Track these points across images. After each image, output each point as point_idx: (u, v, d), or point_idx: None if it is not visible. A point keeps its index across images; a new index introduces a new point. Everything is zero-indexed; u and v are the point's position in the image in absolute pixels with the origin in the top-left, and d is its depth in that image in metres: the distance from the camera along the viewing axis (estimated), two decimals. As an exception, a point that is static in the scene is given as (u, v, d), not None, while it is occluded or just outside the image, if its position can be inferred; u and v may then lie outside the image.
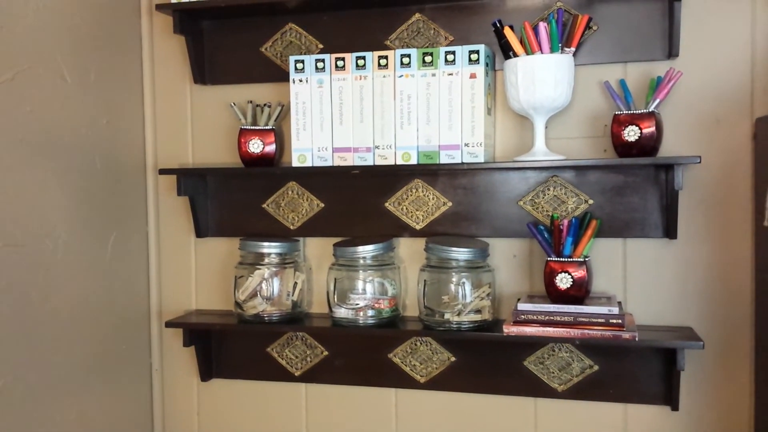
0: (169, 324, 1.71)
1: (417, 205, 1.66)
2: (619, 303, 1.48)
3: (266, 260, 1.65)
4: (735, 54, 1.47)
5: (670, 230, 1.49)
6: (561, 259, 1.45)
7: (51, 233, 1.51)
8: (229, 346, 1.80)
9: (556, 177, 1.57)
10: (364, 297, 1.58)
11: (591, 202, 1.55)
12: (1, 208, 1.38)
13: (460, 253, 1.50)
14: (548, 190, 1.58)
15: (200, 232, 1.77)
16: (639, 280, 1.55)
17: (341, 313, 1.58)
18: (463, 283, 1.51)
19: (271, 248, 1.64)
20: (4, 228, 1.39)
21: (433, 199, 1.65)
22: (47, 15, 1.49)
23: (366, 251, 1.57)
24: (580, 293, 1.45)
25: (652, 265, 1.54)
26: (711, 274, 1.51)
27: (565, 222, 1.47)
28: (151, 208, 1.84)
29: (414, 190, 1.66)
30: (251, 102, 1.70)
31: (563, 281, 1.45)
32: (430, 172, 1.63)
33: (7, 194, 1.40)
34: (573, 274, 1.44)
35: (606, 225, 1.53)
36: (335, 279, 1.59)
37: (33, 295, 1.46)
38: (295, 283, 1.66)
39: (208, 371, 1.80)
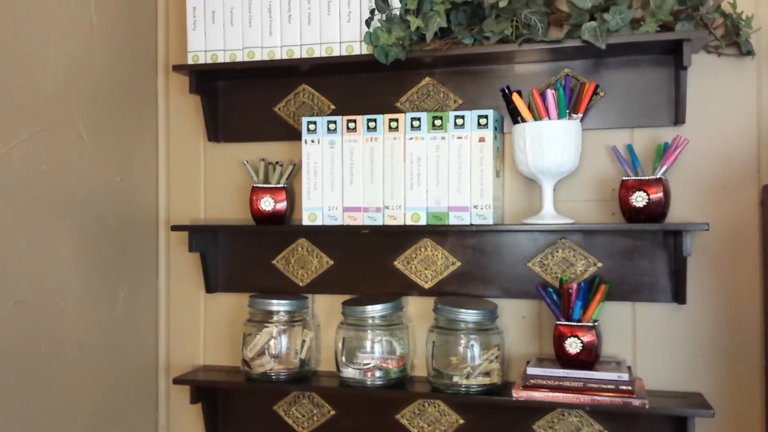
0: (177, 381, 1.70)
1: (426, 264, 1.67)
2: (629, 368, 1.47)
3: (275, 318, 1.65)
4: (741, 121, 1.49)
5: (679, 295, 1.49)
6: (570, 323, 1.45)
7: (62, 290, 1.52)
8: (236, 404, 1.79)
9: (564, 239, 1.58)
10: (372, 356, 1.58)
11: (599, 265, 1.56)
12: (13, 266, 1.40)
13: (469, 315, 1.51)
14: (557, 252, 1.59)
15: (210, 288, 1.78)
16: (648, 345, 1.54)
17: (349, 373, 1.58)
18: (472, 345, 1.51)
19: (280, 306, 1.65)
20: (15, 286, 1.40)
21: (441, 258, 1.66)
22: (67, 75, 1.53)
23: (375, 311, 1.58)
24: (589, 358, 1.44)
25: (662, 330, 1.53)
26: (720, 340, 1.50)
27: (574, 286, 1.47)
28: (162, 263, 1.86)
29: (423, 249, 1.67)
30: (263, 160, 1.73)
31: (573, 346, 1.45)
32: (439, 231, 1.64)
33: (20, 252, 1.41)
34: (582, 338, 1.44)
35: (615, 288, 1.53)
36: (344, 338, 1.60)
37: (41, 353, 1.46)
38: (303, 340, 1.66)
39: (214, 428, 1.78)
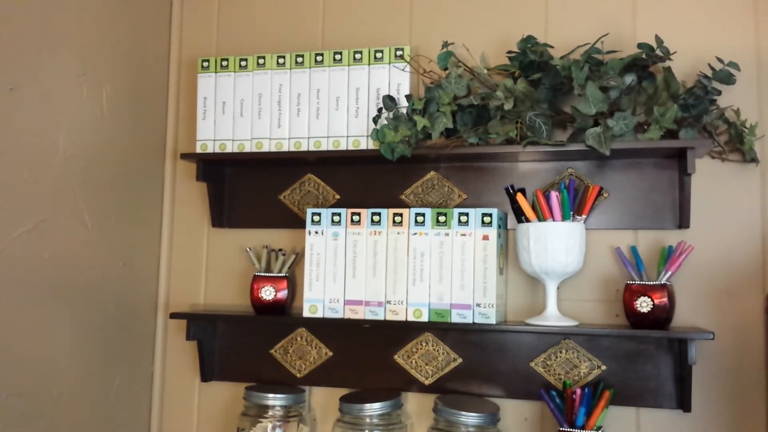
0: (167, 474, 1.66)
1: (427, 359, 1.64)
2: (634, 478, 1.43)
3: (270, 413, 1.61)
4: (746, 227, 1.49)
5: (684, 402, 1.45)
6: (573, 431, 1.41)
7: (57, 380, 1.49)
8: (227, 498, 1.73)
9: (568, 340, 1.56)
10: (369, 456, 1.53)
11: (604, 368, 1.53)
12: (10, 358, 1.37)
13: (470, 418, 1.47)
14: (560, 352, 1.56)
15: (205, 376, 1.74)
16: (654, 453, 1.50)
17: (344, 473, 1.53)
18: (472, 450, 1.46)
19: (276, 400, 1.61)
20: (11, 377, 1.37)
21: (443, 354, 1.63)
22: (73, 164, 1.54)
23: (373, 409, 1.54)
24: (592, 467, 1.40)
25: (667, 438, 1.49)
26: (728, 451, 1.46)
27: (578, 391, 1.44)
28: (158, 349, 1.83)
29: (424, 344, 1.65)
30: (266, 247, 1.72)
31: (575, 454, 1.41)
32: (440, 326, 1.62)
33: (17, 343, 1.39)
34: (585, 446, 1.40)
35: (619, 392, 1.50)
36: (340, 437, 1.56)
37: (31, 444, 1.43)
38: (299, 436, 1.62)
39: None
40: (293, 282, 1.72)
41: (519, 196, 1.49)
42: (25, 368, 1.41)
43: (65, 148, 1.51)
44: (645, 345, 1.51)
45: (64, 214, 1.51)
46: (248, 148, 1.66)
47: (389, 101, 1.53)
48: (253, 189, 1.79)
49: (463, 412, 1.47)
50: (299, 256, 1.72)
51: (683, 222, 1.48)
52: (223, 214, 1.80)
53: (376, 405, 1.54)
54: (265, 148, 1.65)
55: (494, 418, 1.50)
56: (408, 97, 1.54)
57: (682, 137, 1.41)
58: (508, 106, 1.44)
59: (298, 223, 1.73)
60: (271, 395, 1.61)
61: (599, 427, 1.43)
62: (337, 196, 1.74)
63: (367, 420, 1.54)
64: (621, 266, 1.54)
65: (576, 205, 1.50)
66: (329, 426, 1.64)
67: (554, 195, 1.46)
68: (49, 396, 1.47)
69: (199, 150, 1.69)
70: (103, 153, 1.63)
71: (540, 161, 1.59)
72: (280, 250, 1.72)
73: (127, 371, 1.72)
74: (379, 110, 1.55)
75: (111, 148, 1.66)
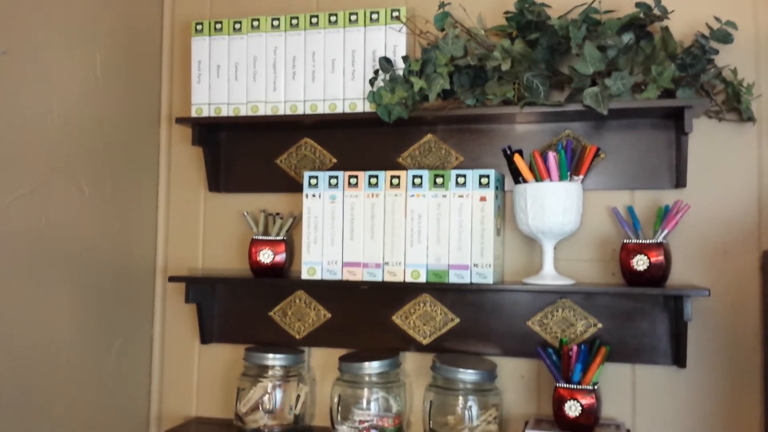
0: (170, 434, 1.68)
1: (424, 319, 1.66)
2: (628, 431, 1.46)
3: (270, 372, 1.63)
4: (742, 186, 1.50)
5: (679, 358, 1.48)
6: (570, 386, 1.44)
7: (57, 344, 1.50)
8: (229, 458, 1.76)
9: (564, 299, 1.57)
10: (368, 413, 1.56)
11: (600, 326, 1.55)
12: (9, 321, 1.38)
13: (468, 375, 1.49)
14: (557, 311, 1.58)
15: (205, 338, 1.76)
16: (648, 408, 1.53)
17: (344, 430, 1.56)
18: (470, 406, 1.49)
19: (275, 360, 1.63)
20: (10, 341, 1.38)
21: (440, 314, 1.65)
22: (69, 129, 1.53)
23: (372, 368, 1.56)
24: (588, 421, 1.43)
25: (662, 393, 1.52)
26: (720, 406, 1.49)
27: (575, 348, 1.46)
28: (157, 313, 1.84)
29: (422, 305, 1.66)
30: (264, 211, 1.73)
31: (572, 409, 1.43)
32: (438, 287, 1.64)
33: (15, 306, 1.40)
34: (582, 401, 1.43)
35: (615, 350, 1.52)
36: (339, 395, 1.58)
37: (34, 405, 1.44)
38: (298, 395, 1.64)
39: (205, 483, 1.75)
40: (291, 245, 1.73)
41: (516, 157, 1.50)
42: (24, 332, 1.42)
43: (59, 113, 1.50)
44: (641, 303, 1.53)
45: (61, 179, 1.51)
46: (244, 111, 1.65)
47: (386, 63, 1.52)
48: (249, 153, 1.78)
49: (461, 369, 1.49)
50: (297, 220, 1.73)
51: (680, 181, 1.49)
52: (219, 179, 1.79)
53: (375, 364, 1.56)
54: (261, 112, 1.64)
55: (491, 375, 1.52)
56: (405, 59, 1.53)
57: (680, 96, 1.41)
58: (505, 66, 1.44)
59: (295, 186, 1.73)
60: (270, 355, 1.63)
61: (595, 383, 1.45)
62: (334, 160, 1.74)
63: (366, 378, 1.57)
64: (618, 226, 1.55)
65: (573, 165, 1.50)
66: (328, 385, 1.66)
67: (551, 155, 1.46)
68: (50, 359, 1.49)
69: (194, 114, 1.68)
70: (97, 118, 1.62)
71: (537, 122, 1.59)
72: (278, 214, 1.72)
73: (126, 335, 1.74)
74: (376, 72, 1.54)
75: (105, 113, 1.65)
